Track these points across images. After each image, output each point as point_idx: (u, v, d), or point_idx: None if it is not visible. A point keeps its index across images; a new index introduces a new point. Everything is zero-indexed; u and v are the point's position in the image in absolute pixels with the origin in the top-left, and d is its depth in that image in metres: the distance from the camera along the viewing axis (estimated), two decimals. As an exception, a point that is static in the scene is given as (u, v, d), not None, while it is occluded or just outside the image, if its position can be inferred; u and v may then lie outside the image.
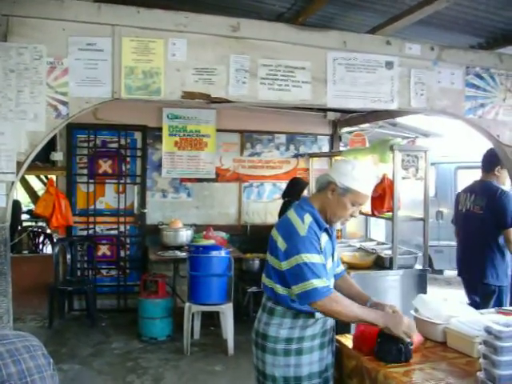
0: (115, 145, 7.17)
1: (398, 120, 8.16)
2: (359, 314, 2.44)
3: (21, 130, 3.24)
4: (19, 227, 9.23)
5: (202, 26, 3.47)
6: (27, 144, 3.25)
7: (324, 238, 2.57)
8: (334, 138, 8.05)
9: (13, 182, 3.26)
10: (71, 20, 3.30)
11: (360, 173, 2.54)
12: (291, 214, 2.57)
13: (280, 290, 2.56)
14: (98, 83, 3.35)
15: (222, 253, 5.59)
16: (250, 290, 6.21)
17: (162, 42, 3.42)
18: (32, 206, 10.64)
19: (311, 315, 2.56)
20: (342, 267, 2.90)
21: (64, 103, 3.30)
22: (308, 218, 2.50)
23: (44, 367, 1.60)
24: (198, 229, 7.00)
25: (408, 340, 2.42)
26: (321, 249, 2.50)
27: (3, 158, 3.21)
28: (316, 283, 2.38)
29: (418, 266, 5.20)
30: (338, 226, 2.75)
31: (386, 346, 2.44)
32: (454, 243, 8.88)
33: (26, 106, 3.24)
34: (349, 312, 2.42)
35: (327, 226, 2.60)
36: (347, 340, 2.78)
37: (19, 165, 3.25)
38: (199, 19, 3.47)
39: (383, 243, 6.05)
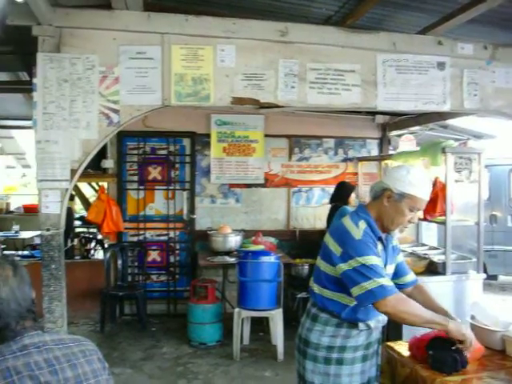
0: (164, 151, 7.25)
1: (449, 122, 7.98)
2: (427, 315, 2.35)
3: (74, 139, 3.32)
4: (72, 233, 9.44)
5: (251, 32, 3.49)
6: (81, 152, 3.33)
7: (378, 246, 2.51)
8: (383, 142, 7.93)
9: (67, 189, 3.34)
10: (121, 29, 3.37)
11: (415, 177, 2.48)
12: (346, 220, 2.53)
13: (329, 294, 2.52)
14: (149, 91, 3.40)
15: (272, 258, 5.57)
16: (299, 296, 6.16)
17: (211, 48, 3.45)
18: (84, 213, 10.87)
19: (355, 325, 2.52)
20: (413, 276, 2.80)
21: (115, 111, 3.36)
22: (363, 224, 2.46)
23: (99, 371, 1.62)
24: (247, 234, 6.99)
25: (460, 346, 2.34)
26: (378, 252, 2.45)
27: (58, 166, 3.29)
28: (381, 281, 2.32)
29: (472, 272, 5.06)
30: (397, 234, 2.67)
31: (439, 356, 2.37)
32: (508, 247, 8.78)
33: (79, 115, 3.32)
34: (416, 312, 2.34)
35: (382, 235, 2.55)
36: (401, 347, 2.72)
37: (73, 172, 3.33)
38: (247, 25, 3.48)
39: (435, 248, 5.90)
